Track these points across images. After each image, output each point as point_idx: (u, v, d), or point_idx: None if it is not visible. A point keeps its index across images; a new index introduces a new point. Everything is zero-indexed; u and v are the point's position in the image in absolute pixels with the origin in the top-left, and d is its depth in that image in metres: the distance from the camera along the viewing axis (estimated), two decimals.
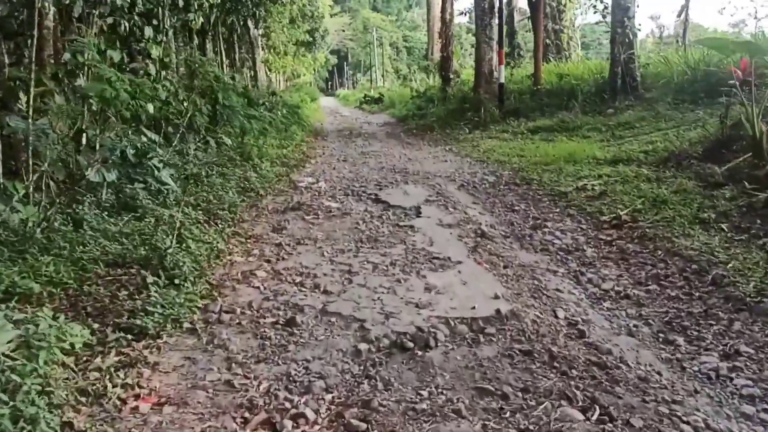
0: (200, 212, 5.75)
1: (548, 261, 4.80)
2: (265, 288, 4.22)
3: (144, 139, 6.34)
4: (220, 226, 5.59)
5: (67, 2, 6.41)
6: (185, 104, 8.31)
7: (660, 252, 4.70)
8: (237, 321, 3.63)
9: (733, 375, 2.96)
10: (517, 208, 6.55)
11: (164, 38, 9.24)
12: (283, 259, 4.92)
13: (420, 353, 3.16)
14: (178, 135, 7.66)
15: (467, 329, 3.45)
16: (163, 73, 8.63)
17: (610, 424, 2.51)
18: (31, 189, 4.85)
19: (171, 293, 3.73)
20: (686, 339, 3.38)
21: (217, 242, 5.03)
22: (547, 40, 20.04)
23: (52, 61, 6.31)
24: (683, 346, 3.29)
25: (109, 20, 7.62)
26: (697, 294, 3.94)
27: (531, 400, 2.70)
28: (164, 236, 4.57)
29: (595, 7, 15.43)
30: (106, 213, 5.19)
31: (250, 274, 4.50)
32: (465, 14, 26.46)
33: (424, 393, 2.77)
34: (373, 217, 6.28)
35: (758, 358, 3.12)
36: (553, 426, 2.49)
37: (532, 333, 3.39)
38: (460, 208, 6.56)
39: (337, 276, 4.45)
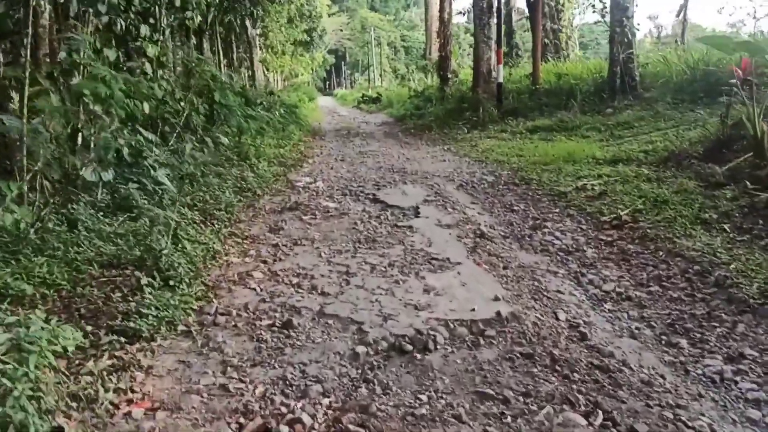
0: (196, 212, 5.70)
1: (548, 262, 4.74)
2: (261, 289, 4.16)
3: (140, 138, 6.27)
4: (216, 226, 5.54)
5: (62, 0, 6.34)
6: (182, 103, 8.24)
7: (661, 253, 4.65)
8: (233, 323, 3.57)
9: (738, 378, 2.91)
10: (516, 208, 6.50)
11: (161, 37, 9.16)
12: (280, 260, 4.86)
13: (419, 356, 3.11)
14: (175, 134, 7.59)
15: (467, 332, 3.40)
16: (160, 72, 8.54)
17: (614, 430, 2.46)
18: (26, 189, 4.78)
19: (166, 295, 3.67)
20: (689, 341, 3.32)
21: (213, 243, 4.97)
22: (546, 40, 19.98)
23: (48, 60, 6.24)
24: (686, 349, 3.24)
25: (105, 19, 7.55)
26: (699, 296, 3.89)
27: (532, 405, 2.65)
28: (160, 237, 4.50)
29: (593, 6, 15.41)
30: (101, 213, 5.13)
31: (246, 275, 4.45)
32: (463, 14, 26.50)
33: (424, 397, 2.72)
34: (371, 217, 6.22)
35: (763, 361, 3.07)
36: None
37: (533, 335, 3.34)
38: (458, 209, 6.50)
39: (334, 277, 4.39)
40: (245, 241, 5.38)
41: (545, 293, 4.05)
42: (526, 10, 19.91)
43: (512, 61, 20.90)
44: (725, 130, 6.87)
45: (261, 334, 3.42)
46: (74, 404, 2.56)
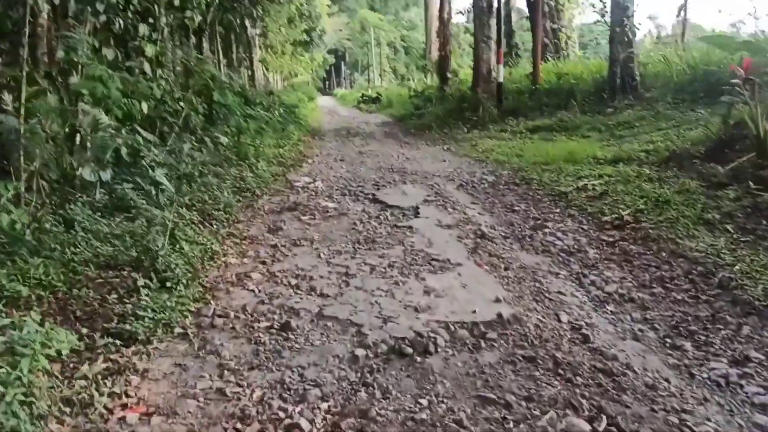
0: (195, 213, 5.65)
1: (550, 263, 4.69)
2: (259, 291, 4.11)
3: (138, 138, 6.22)
4: (214, 226, 5.49)
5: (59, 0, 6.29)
6: (181, 103, 8.20)
7: (664, 253, 4.60)
8: (230, 325, 3.52)
9: (744, 382, 2.85)
10: (516, 208, 6.45)
11: (160, 36, 9.11)
12: (279, 260, 4.81)
13: (419, 359, 3.06)
14: (174, 134, 7.54)
15: (468, 334, 3.35)
16: (159, 71, 8.50)
17: None
18: (23, 189, 4.74)
19: (162, 296, 3.63)
20: (694, 344, 3.27)
21: (212, 243, 4.92)
22: (546, 40, 19.92)
23: (46, 60, 6.20)
24: (691, 352, 3.18)
25: (104, 18, 7.50)
26: (703, 297, 3.84)
27: (535, 410, 2.60)
28: (157, 237, 4.45)
29: (593, 6, 15.35)
30: (99, 213, 5.08)
31: (244, 276, 4.40)
32: (463, 14, 26.43)
33: (424, 402, 2.67)
34: (371, 217, 6.17)
35: None
36: None
37: (534, 338, 3.29)
38: (459, 209, 6.46)
39: (333, 278, 4.34)
40: (244, 242, 5.33)
41: (547, 294, 4.00)
42: (526, 10, 19.86)
43: (512, 60, 20.83)
44: (727, 129, 6.82)
45: (259, 336, 3.37)
46: (67, 409, 2.52)
